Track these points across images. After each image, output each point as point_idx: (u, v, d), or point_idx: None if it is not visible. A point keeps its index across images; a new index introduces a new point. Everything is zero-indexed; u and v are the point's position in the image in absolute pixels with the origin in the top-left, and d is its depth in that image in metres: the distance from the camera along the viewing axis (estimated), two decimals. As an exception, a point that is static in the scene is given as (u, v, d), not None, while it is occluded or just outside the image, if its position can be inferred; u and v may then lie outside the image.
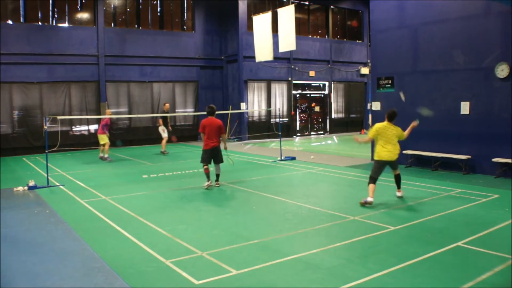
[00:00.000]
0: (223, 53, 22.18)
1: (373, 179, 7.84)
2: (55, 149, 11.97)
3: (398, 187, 8.29)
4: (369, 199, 7.65)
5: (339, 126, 25.23)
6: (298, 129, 23.67)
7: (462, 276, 4.61)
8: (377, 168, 7.90)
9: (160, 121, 15.96)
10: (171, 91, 20.55)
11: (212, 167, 9.63)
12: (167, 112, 16.32)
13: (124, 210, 7.67)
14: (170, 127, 16.27)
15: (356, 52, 25.65)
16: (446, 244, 5.56)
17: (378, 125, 8.01)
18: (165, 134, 15.90)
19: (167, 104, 16.53)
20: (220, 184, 9.72)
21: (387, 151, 7.86)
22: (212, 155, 9.44)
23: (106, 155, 14.47)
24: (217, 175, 9.67)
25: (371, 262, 5.00)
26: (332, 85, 24.67)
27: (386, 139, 7.88)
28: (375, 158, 7.99)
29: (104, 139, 14.25)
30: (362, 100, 26.14)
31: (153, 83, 20.01)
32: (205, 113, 10.10)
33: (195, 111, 20.99)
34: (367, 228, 6.36)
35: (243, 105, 20.96)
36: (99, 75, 18.56)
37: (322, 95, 24.67)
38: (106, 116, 14.74)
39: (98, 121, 18.44)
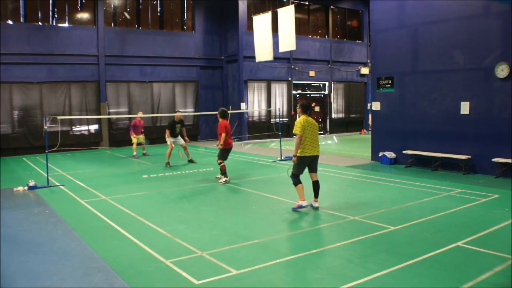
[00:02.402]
0: (223, 53, 22.18)
1: (299, 179, 7.39)
2: (55, 149, 11.98)
3: (316, 195, 7.59)
4: (304, 203, 7.31)
5: (339, 126, 25.24)
6: (298, 129, 23.63)
7: (462, 276, 4.61)
8: (304, 165, 7.42)
9: (167, 132, 13.49)
10: (171, 91, 20.55)
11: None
12: (179, 121, 13.51)
13: (124, 210, 7.67)
14: (186, 138, 13.56)
15: (356, 52, 25.65)
16: (446, 244, 5.56)
17: (302, 119, 7.36)
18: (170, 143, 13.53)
19: (178, 113, 14.04)
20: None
21: (315, 145, 7.47)
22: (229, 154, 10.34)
23: (134, 153, 15.32)
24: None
25: (371, 262, 5.00)
26: (332, 85, 24.67)
27: (312, 133, 7.41)
28: (304, 154, 7.32)
29: (134, 139, 15.26)
30: (362, 100, 26.14)
31: (153, 83, 20.01)
32: (205, 113, 10.30)
33: (195, 111, 20.99)
34: (367, 228, 6.36)
35: (243, 105, 20.96)
36: (99, 75, 18.57)
37: (322, 95, 24.67)
38: (138, 115, 15.62)
39: (98, 121, 18.49)
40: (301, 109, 7.59)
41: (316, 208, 7.51)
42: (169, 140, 13.39)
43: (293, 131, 7.39)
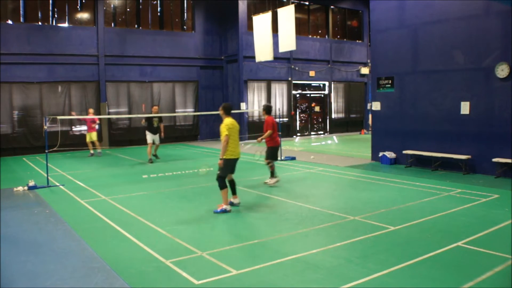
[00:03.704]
0: (223, 53, 22.18)
1: (225, 182, 7.36)
2: (55, 149, 11.97)
3: (234, 192, 7.78)
4: (228, 207, 7.31)
5: (339, 126, 25.24)
6: (298, 129, 23.68)
7: (462, 276, 4.61)
8: (230, 167, 7.44)
9: (143, 121, 14.11)
10: (171, 91, 20.55)
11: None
12: (157, 116, 14.09)
13: (124, 210, 7.67)
14: (162, 134, 14.38)
15: (356, 52, 25.65)
16: (446, 244, 5.56)
17: (228, 121, 7.37)
18: (150, 140, 13.98)
19: (155, 107, 14.50)
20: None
21: (239, 147, 7.53)
22: None
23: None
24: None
25: (371, 262, 5.00)
26: (332, 85, 24.67)
27: (235, 134, 7.46)
28: (230, 157, 7.34)
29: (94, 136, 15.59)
30: (362, 100, 26.15)
31: (153, 83, 20.01)
32: (205, 113, 10.18)
33: (195, 111, 20.99)
34: (367, 228, 6.36)
35: (243, 105, 20.96)
36: (99, 75, 18.57)
37: (322, 95, 24.67)
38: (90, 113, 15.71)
39: (98, 121, 18.47)
40: (223, 111, 7.54)
41: (237, 205, 7.71)
42: (149, 137, 13.90)
43: (221, 133, 7.33)
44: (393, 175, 10.87)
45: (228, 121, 7.39)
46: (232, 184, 7.74)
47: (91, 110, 16.00)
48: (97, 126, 15.88)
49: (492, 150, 10.38)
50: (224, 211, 7.31)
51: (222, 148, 7.32)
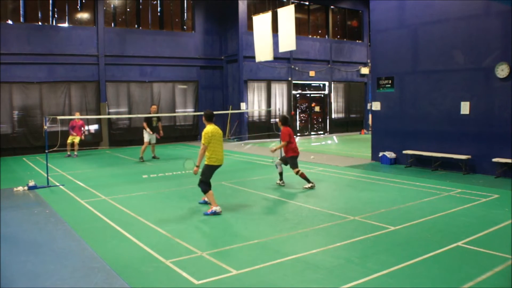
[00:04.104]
0: (223, 53, 22.18)
1: (209, 185, 7.46)
2: (55, 149, 11.97)
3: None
4: (218, 208, 7.31)
5: (339, 126, 25.24)
6: (298, 129, 23.67)
7: (462, 276, 4.61)
8: (212, 173, 7.52)
9: (144, 124, 14.15)
10: (171, 91, 20.55)
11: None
12: (155, 116, 14.40)
13: (124, 210, 7.67)
14: (161, 132, 14.53)
15: (356, 52, 25.65)
16: (446, 244, 5.56)
17: (209, 129, 7.40)
18: (147, 139, 14.26)
19: (154, 106, 14.68)
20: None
21: (222, 154, 7.56)
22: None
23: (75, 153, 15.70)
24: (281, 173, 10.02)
25: (371, 262, 5.01)
26: (332, 85, 24.67)
27: (218, 141, 7.48)
28: (213, 163, 7.42)
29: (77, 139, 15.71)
30: (362, 100, 26.14)
31: (153, 83, 20.01)
32: (204, 113, 10.13)
33: (195, 111, 20.98)
34: (367, 228, 6.36)
35: (243, 105, 20.96)
36: (99, 75, 18.57)
37: (322, 95, 24.67)
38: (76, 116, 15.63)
39: (98, 121, 18.49)
40: (204, 118, 7.62)
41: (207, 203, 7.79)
42: (146, 136, 14.14)
43: (202, 141, 7.42)
44: (393, 175, 10.87)
45: (208, 129, 7.40)
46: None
47: (77, 114, 16.08)
48: (86, 132, 16.05)
49: (492, 150, 10.38)
50: (214, 213, 7.27)
51: (198, 156, 7.34)
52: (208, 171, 7.47)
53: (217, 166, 7.55)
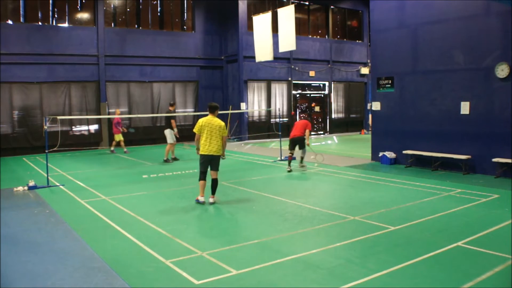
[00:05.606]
0: (223, 53, 22.17)
1: (203, 175, 7.91)
2: (55, 149, 11.97)
3: (213, 193, 8.04)
4: (201, 198, 7.89)
5: (339, 126, 25.24)
6: (298, 129, 23.63)
7: (462, 276, 4.61)
8: (203, 162, 7.91)
9: (173, 122, 13.69)
10: (171, 91, 20.54)
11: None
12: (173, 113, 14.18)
13: (124, 210, 7.67)
14: (177, 134, 13.96)
15: (356, 52, 25.64)
16: (446, 244, 5.56)
17: (203, 119, 7.99)
18: (171, 140, 13.75)
19: (173, 105, 14.45)
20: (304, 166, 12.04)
21: (211, 145, 7.85)
22: (296, 143, 11.75)
23: (124, 149, 16.50)
24: (302, 158, 12.18)
25: (371, 262, 5.00)
26: (332, 85, 24.67)
27: (210, 133, 7.86)
28: (201, 152, 7.89)
29: (119, 136, 16.30)
30: (362, 100, 26.14)
31: (153, 83, 20.01)
32: (205, 113, 10.25)
33: (195, 111, 20.98)
34: (367, 228, 6.36)
35: (243, 105, 20.96)
36: (99, 75, 18.57)
37: (322, 95, 24.67)
38: (116, 116, 16.40)
39: (98, 121, 18.50)
40: (208, 109, 8.20)
41: (211, 204, 7.95)
42: (170, 137, 13.65)
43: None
44: (393, 175, 10.87)
45: (201, 119, 7.98)
46: (213, 183, 8.01)
47: (118, 111, 17.03)
48: (120, 129, 16.47)
49: (492, 150, 10.38)
50: (197, 202, 7.92)
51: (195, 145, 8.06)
52: (199, 160, 7.97)
53: (204, 156, 7.87)
